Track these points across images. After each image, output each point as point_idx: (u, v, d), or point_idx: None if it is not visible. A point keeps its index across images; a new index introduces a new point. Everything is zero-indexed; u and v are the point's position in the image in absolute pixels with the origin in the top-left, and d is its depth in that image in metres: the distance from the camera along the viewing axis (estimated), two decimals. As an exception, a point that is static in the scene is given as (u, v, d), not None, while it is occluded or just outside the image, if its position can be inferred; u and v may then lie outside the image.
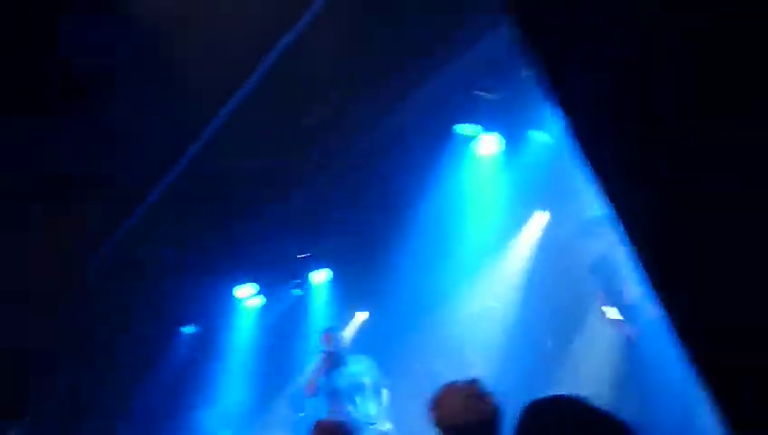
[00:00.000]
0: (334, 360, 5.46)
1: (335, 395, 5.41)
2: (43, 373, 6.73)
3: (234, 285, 6.66)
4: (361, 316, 7.19)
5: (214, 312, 7.00)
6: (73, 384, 6.85)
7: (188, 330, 7.15)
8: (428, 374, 5.77)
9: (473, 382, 2.20)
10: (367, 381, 5.33)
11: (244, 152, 4.85)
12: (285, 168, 5.28)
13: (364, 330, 7.09)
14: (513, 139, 5.41)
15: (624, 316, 4.52)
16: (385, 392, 5.32)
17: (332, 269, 7.03)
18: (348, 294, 6.97)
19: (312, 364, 5.54)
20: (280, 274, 7.07)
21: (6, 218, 4.67)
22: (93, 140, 4.10)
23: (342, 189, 5.87)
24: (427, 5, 3.86)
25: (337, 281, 7.06)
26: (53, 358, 6.67)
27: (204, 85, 3.79)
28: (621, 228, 1.09)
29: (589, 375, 4.90)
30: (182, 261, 6.21)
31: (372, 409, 5.23)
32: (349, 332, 7.00)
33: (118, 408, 6.80)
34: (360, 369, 5.41)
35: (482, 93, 4.84)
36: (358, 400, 5.24)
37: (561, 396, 1.58)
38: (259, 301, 7.08)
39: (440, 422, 2.13)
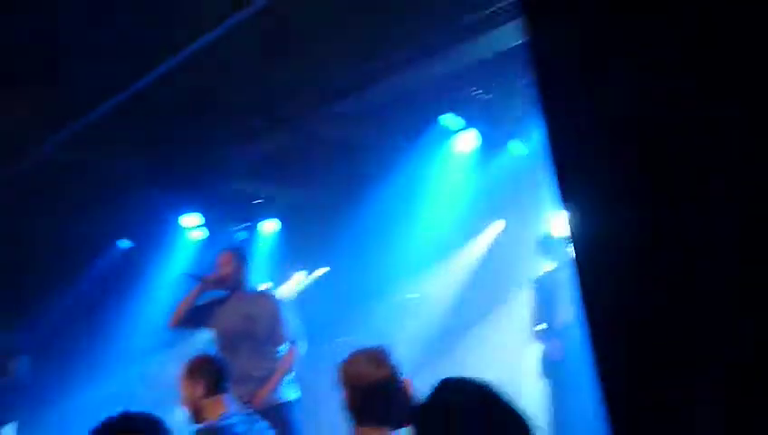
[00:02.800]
0: (228, 288, 4.23)
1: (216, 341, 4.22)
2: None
3: (180, 212, 6.51)
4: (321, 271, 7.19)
5: (154, 233, 6.85)
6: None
7: (124, 244, 6.98)
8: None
9: (377, 347, 2.44)
10: (259, 329, 4.10)
11: (224, 78, 4.71)
12: (261, 107, 5.17)
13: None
14: (492, 142, 5.47)
15: (552, 335, 4.66)
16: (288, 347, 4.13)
17: (283, 222, 6.98)
18: (293, 250, 6.95)
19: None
20: (229, 212, 6.98)
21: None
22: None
23: (312, 145, 5.83)
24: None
25: (284, 235, 7.01)
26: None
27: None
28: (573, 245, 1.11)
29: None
30: (132, 173, 6.04)
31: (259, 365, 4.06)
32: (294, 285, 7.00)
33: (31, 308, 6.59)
34: (259, 311, 4.13)
35: (475, 89, 4.87)
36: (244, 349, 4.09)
37: (470, 378, 1.71)
38: (201, 234, 6.96)
39: (348, 381, 2.36)
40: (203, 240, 6.93)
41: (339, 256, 6.73)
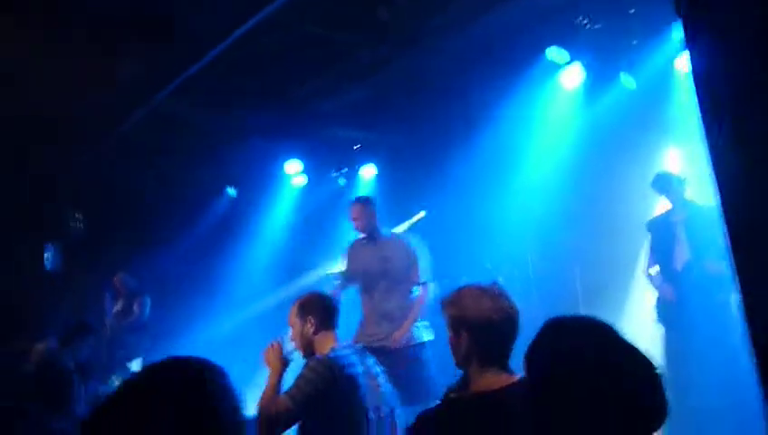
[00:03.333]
0: (366, 235, 4.51)
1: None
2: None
3: (284, 159, 6.67)
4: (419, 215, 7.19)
5: (258, 180, 7.07)
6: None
7: (231, 192, 7.26)
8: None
9: (494, 284, 2.21)
10: (394, 269, 4.38)
11: (317, 23, 4.66)
12: (354, 48, 5.10)
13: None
14: (599, 75, 5.17)
15: (668, 278, 4.43)
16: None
17: (381, 167, 6.98)
18: (392, 193, 6.95)
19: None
20: (328, 158, 7.06)
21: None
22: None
23: (409, 88, 5.74)
24: None
25: (382, 179, 7.03)
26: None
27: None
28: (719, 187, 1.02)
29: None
30: (233, 123, 6.21)
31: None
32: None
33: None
34: (393, 253, 4.40)
35: (582, 19, 4.59)
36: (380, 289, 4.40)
37: (583, 316, 1.55)
38: (302, 180, 7.11)
39: (463, 318, 2.12)
40: (304, 186, 7.08)
41: (438, 199, 6.66)
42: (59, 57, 4.55)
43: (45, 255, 6.71)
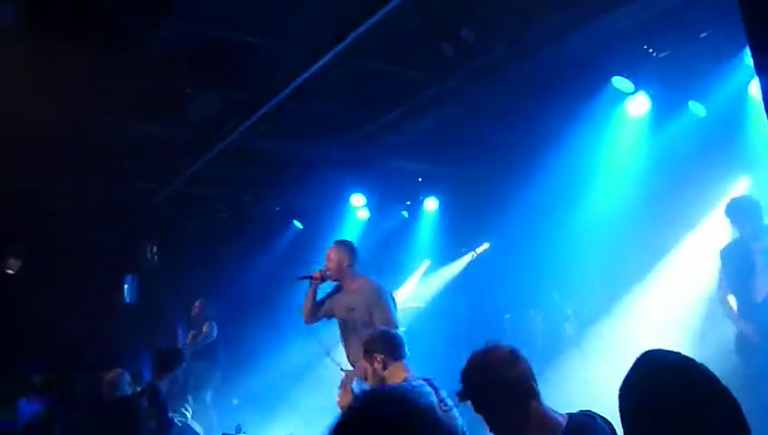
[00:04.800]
0: (336, 280, 4.37)
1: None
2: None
3: (349, 192, 6.79)
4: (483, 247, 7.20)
5: (324, 212, 7.20)
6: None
7: (298, 225, 7.40)
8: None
9: (487, 343, 2.23)
10: (358, 318, 4.17)
11: (383, 58, 4.75)
12: (421, 83, 5.18)
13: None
14: (666, 103, 5.08)
15: (748, 313, 4.22)
16: None
17: (443, 199, 7.01)
18: (456, 225, 6.96)
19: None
20: (392, 191, 7.14)
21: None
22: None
23: (473, 120, 5.79)
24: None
25: (445, 211, 7.05)
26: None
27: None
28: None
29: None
30: (302, 156, 6.37)
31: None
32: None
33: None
34: (356, 301, 4.22)
35: (648, 48, 4.54)
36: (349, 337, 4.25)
37: (669, 351, 1.61)
38: (366, 214, 7.20)
39: (486, 384, 2.14)
40: (368, 219, 7.18)
41: (502, 230, 6.63)
42: (129, 92, 4.72)
43: (124, 287, 7.00)
